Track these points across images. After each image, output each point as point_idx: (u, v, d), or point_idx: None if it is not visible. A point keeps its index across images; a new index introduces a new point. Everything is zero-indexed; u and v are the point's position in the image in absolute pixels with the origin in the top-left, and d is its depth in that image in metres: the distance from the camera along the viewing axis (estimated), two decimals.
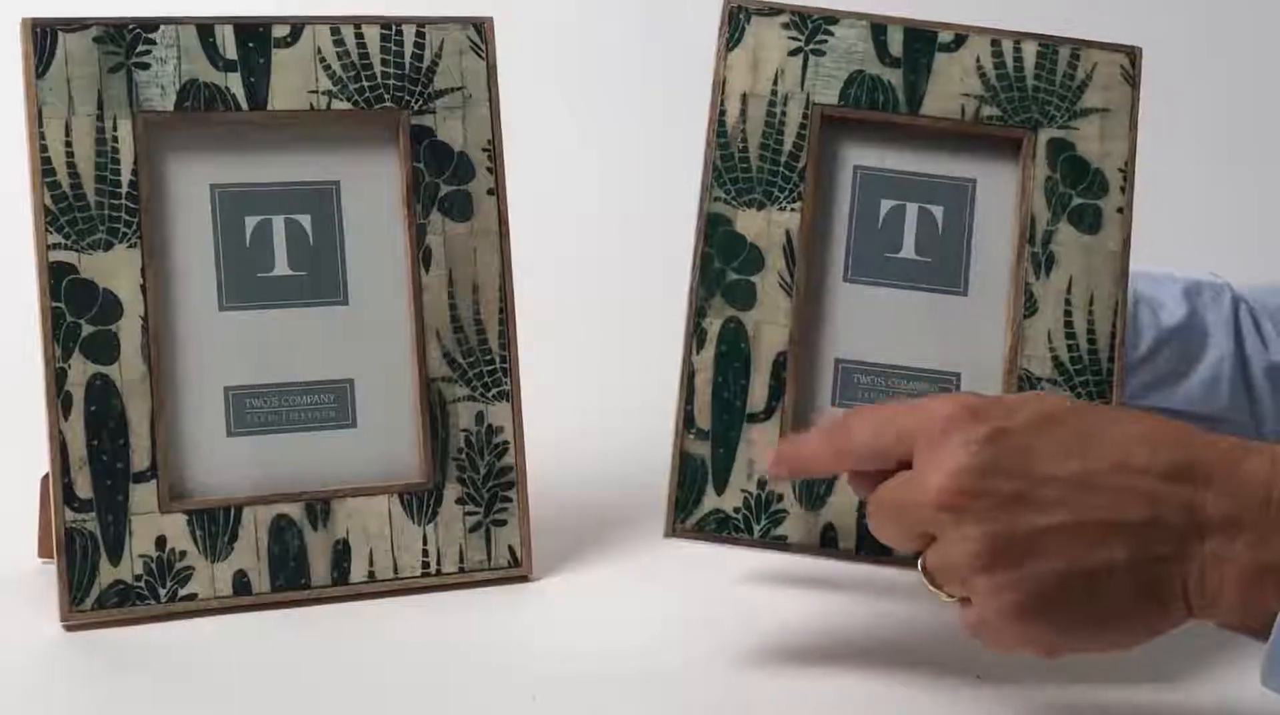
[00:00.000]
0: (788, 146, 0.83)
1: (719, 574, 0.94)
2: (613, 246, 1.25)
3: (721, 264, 0.82)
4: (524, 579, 0.92)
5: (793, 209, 0.82)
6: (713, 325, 0.82)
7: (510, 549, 0.92)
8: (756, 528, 0.80)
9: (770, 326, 0.81)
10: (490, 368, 0.92)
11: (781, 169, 0.83)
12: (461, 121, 0.92)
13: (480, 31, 0.93)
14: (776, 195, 0.82)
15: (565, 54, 1.71)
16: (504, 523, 0.92)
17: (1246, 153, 1.77)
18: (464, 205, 0.92)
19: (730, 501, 0.80)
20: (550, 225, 1.51)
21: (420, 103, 0.92)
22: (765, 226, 0.82)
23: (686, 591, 0.91)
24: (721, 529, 0.80)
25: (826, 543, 0.80)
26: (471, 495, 0.91)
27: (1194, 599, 0.64)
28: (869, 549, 0.79)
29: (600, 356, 1.18)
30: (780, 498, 0.80)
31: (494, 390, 0.92)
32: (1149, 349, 1.00)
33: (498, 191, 0.93)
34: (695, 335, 0.82)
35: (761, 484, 0.80)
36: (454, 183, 0.92)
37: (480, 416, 0.92)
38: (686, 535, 0.80)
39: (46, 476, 0.87)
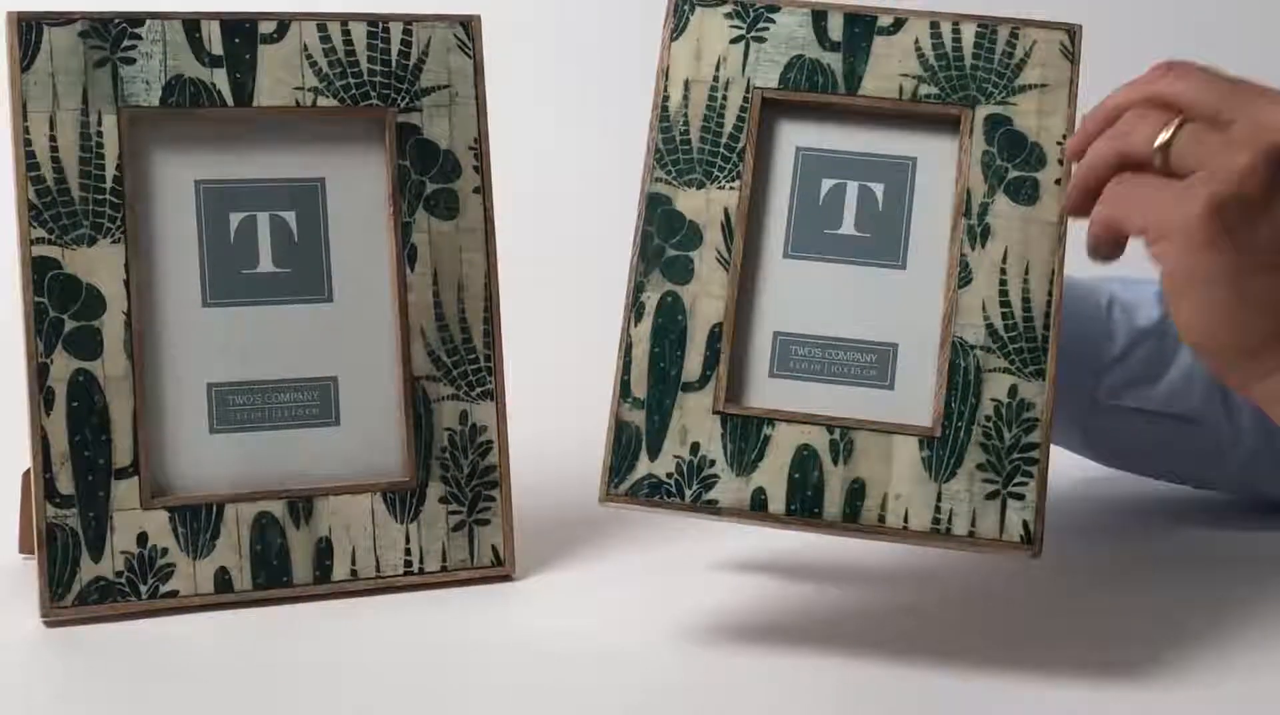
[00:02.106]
0: (728, 128, 0.85)
1: (702, 571, 0.94)
2: (599, 244, 1.25)
3: (660, 241, 0.84)
4: (507, 578, 0.92)
5: (731, 187, 0.85)
6: (650, 299, 0.84)
7: (493, 548, 0.92)
8: (688, 492, 0.82)
9: (707, 299, 0.84)
10: (474, 366, 0.92)
11: (721, 150, 0.85)
12: (448, 119, 0.92)
13: (467, 29, 0.93)
14: (716, 175, 0.85)
15: (552, 52, 1.71)
16: (487, 522, 0.92)
17: None
18: (450, 203, 0.92)
19: (663, 467, 0.82)
20: (536, 224, 1.51)
21: (407, 100, 0.91)
22: (704, 204, 0.85)
23: (669, 590, 0.91)
24: (654, 493, 0.82)
25: (757, 506, 0.81)
26: (454, 494, 0.91)
27: None
28: (799, 512, 0.81)
29: (584, 355, 1.18)
30: (712, 463, 0.81)
31: (478, 389, 0.92)
32: (1123, 350, 1.01)
33: (484, 190, 0.93)
34: (634, 309, 0.84)
35: (694, 449, 0.82)
36: (440, 181, 0.92)
37: (464, 415, 0.92)
38: (620, 501, 0.82)
39: (28, 472, 0.87)
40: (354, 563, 0.89)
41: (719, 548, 0.98)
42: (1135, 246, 0.73)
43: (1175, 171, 0.69)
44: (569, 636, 0.84)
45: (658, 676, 0.79)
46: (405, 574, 0.90)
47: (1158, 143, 0.70)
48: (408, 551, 0.90)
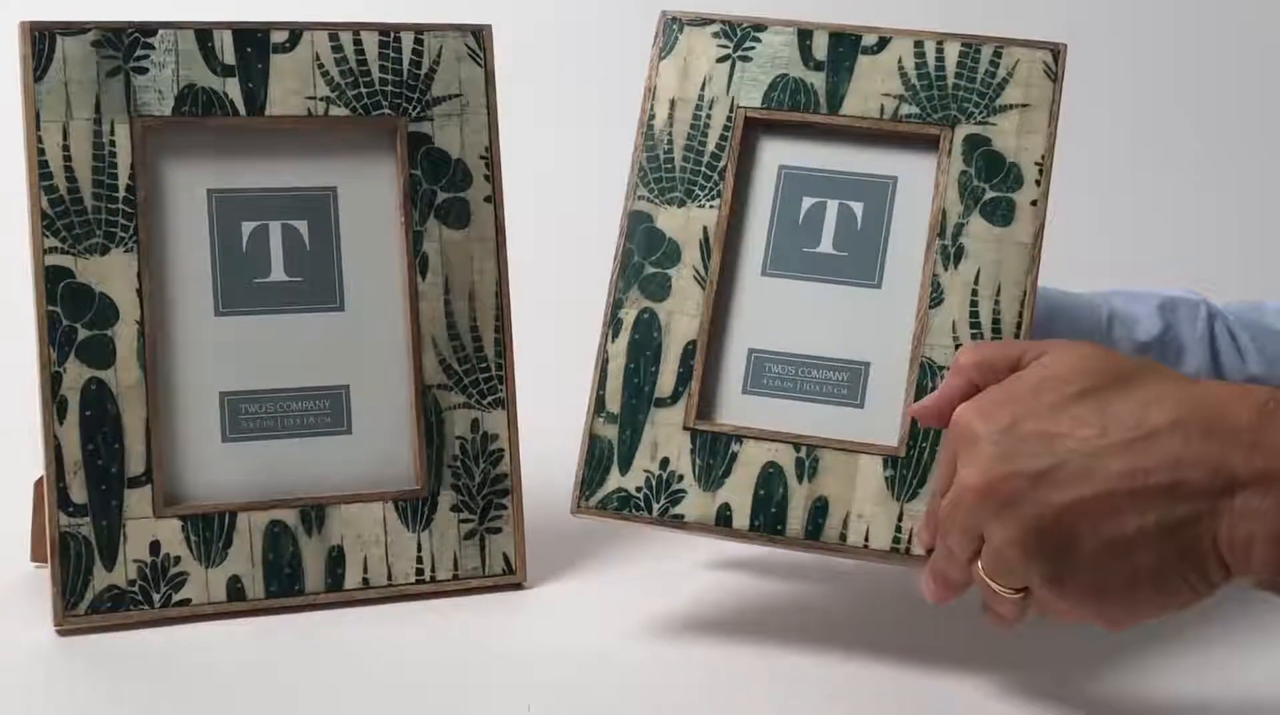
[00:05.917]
0: (710, 147, 0.86)
1: (712, 579, 0.94)
2: (609, 253, 1.26)
3: (640, 258, 0.85)
4: (518, 586, 0.92)
5: (711, 206, 0.85)
6: (628, 315, 0.85)
7: (504, 556, 0.92)
8: (656, 506, 0.82)
9: (682, 317, 0.84)
10: (486, 375, 0.92)
11: (703, 168, 0.86)
12: (459, 129, 0.92)
13: (478, 39, 0.93)
14: (697, 193, 0.85)
15: (563, 61, 1.71)
16: (498, 530, 0.92)
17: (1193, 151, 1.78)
18: (461, 212, 0.92)
19: (633, 481, 0.83)
20: (547, 232, 1.51)
21: (418, 109, 0.92)
22: (684, 222, 0.85)
23: (679, 597, 0.91)
24: (623, 507, 0.83)
25: (721, 522, 0.82)
26: (466, 502, 0.91)
27: (1228, 556, 0.64)
28: (762, 528, 0.81)
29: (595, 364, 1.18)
30: (680, 478, 0.82)
31: (489, 398, 0.92)
32: None
33: (495, 199, 0.93)
34: (611, 325, 0.85)
35: (664, 464, 0.82)
36: (451, 190, 0.92)
37: (475, 424, 0.92)
38: (590, 513, 0.83)
39: (41, 480, 0.87)
40: (366, 571, 0.90)
41: (730, 556, 0.98)
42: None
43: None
44: (580, 644, 0.84)
45: (668, 685, 0.79)
46: (417, 582, 0.90)
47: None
48: (419, 560, 0.90)
